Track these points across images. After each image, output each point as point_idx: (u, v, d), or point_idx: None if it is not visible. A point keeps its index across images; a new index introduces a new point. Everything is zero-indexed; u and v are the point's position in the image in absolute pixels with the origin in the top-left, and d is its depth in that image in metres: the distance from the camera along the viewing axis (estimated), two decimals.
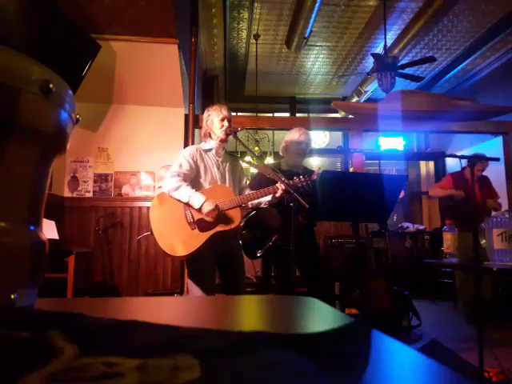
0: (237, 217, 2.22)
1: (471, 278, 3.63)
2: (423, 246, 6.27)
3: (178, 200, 2.20)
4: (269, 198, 2.36)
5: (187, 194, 2.16)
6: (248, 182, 2.65)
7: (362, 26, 5.74)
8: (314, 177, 2.35)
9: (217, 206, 2.15)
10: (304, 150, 2.78)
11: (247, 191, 2.43)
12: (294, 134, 2.80)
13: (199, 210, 2.15)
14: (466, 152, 5.67)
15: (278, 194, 2.27)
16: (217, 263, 2.33)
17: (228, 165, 2.42)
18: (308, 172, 2.81)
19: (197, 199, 2.15)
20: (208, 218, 2.16)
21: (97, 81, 3.91)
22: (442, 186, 4.10)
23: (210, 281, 2.27)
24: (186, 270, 2.38)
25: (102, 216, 4.23)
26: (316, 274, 2.71)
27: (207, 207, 2.13)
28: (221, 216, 2.18)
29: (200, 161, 2.33)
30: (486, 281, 3.65)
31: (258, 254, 2.62)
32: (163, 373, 0.24)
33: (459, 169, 4.05)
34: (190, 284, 2.25)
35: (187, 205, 2.20)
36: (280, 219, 2.51)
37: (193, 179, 2.29)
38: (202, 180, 2.31)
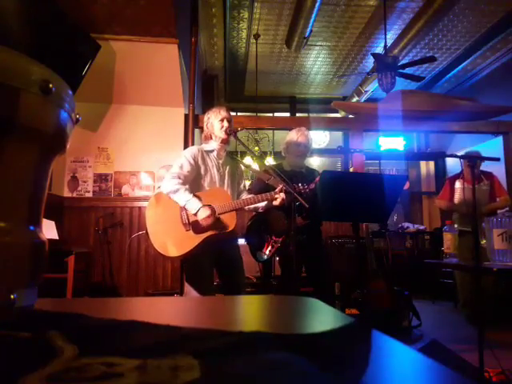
0: (232, 221, 2.22)
1: (468, 276, 3.64)
2: (423, 246, 6.27)
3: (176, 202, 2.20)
4: (264, 202, 2.36)
5: (185, 198, 2.17)
6: (247, 187, 2.65)
7: (362, 26, 5.74)
8: (312, 186, 2.35)
9: (212, 213, 2.15)
10: (303, 151, 2.77)
11: (245, 195, 2.44)
12: (292, 136, 2.79)
13: (195, 215, 2.16)
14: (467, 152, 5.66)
15: (276, 202, 2.27)
16: (215, 265, 2.32)
17: (228, 167, 2.42)
18: (310, 172, 2.81)
19: (193, 205, 2.15)
20: (204, 224, 2.16)
21: (97, 81, 3.91)
22: (442, 197, 4.10)
23: (208, 284, 2.26)
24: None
25: (102, 216, 4.23)
26: (318, 274, 2.70)
27: (203, 214, 2.14)
28: (216, 220, 2.18)
29: (201, 161, 2.32)
30: (487, 281, 3.64)
31: (265, 257, 2.61)
32: (163, 373, 0.24)
33: (459, 168, 4.05)
34: (187, 287, 2.25)
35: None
36: (286, 221, 2.51)
37: (192, 180, 2.29)
38: (201, 181, 2.31)
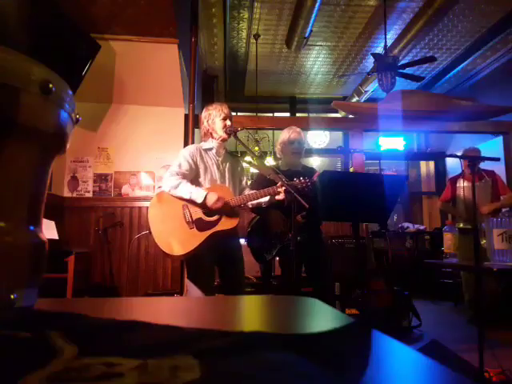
0: (235, 216, 2.22)
1: (473, 276, 3.63)
2: (423, 246, 6.27)
3: (180, 198, 2.20)
4: (267, 197, 2.36)
5: (188, 190, 2.17)
6: (248, 183, 2.65)
7: (362, 26, 5.74)
8: (315, 178, 2.35)
9: (220, 197, 2.16)
10: (298, 148, 2.76)
11: (247, 191, 2.43)
12: (285, 135, 2.79)
13: (203, 203, 2.15)
14: None
15: (279, 197, 2.28)
16: (216, 263, 2.32)
17: (228, 164, 2.41)
18: (307, 170, 2.80)
19: (199, 193, 2.16)
20: (214, 208, 2.16)
21: (97, 81, 3.91)
22: (443, 198, 4.12)
23: (209, 281, 2.26)
24: (185, 270, 2.38)
25: (102, 216, 4.23)
26: (318, 274, 2.70)
27: (211, 198, 2.14)
28: (223, 212, 2.18)
29: (200, 160, 2.32)
30: (489, 281, 3.64)
31: (268, 258, 2.61)
32: (163, 373, 0.24)
33: (459, 168, 4.05)
34: (188, 284, 2.25)
35: (187, 203, 2.20)
36: (285, 222, 2.50)
37: (192, 179, 2.29)
38: (201, 179, 2.31)
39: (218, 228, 2.18)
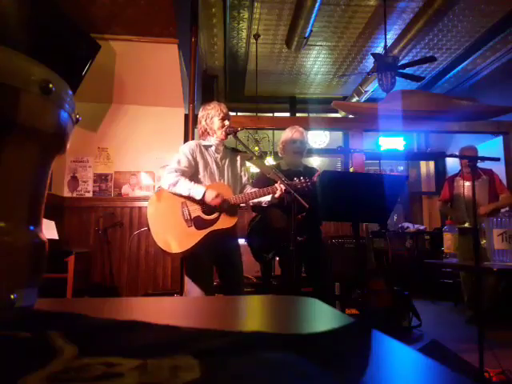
0: (234, 215, 2.22)
1: (473, 276, 3.63)
2: (423, 246, 6.27)
3: (179, 195, 2.19)
4: (268, 197, 2.35)
5: (187, 186, 2.16)
6: (250, 180, 2.64)
7: (362, 26, 5.74)
8: (315, 178, 2.35)
9: (219, 193, 2.16)
10: (300, 148, 2.76)
11: (248, 188, 2.43)
12: (287, 134, 2.79)
13: (202, 199, 2.15)
14: None
15: (277, 195, 2.27)
16: (215, 263, 2.32)
17: (227, 161, 2.40)
18: (309, 170, 2.79)
19: (197, 190, 2.15)
20: (213, 204, 2.15)
21: (97, 81, 3.91)
22: (441, 198, 4.14)
23: (208, 280, 2.26)
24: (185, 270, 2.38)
25: (102, 216, 4.23)
26: (318, 274, 2.70)
27: (210, 195, 2.14)
28: (222, 210, 2.18)
29: (199, 157, 2.32)
30: (488, 281, 3.64)
31: (268, 258, 2.61)
32: (163, 373, 0.24)
33: (459, 168, 4.05)
34: (188, 283, 2.25)
35: (186, 201, 2.19)
36: (285, 220, 2.50)
37: (192, 175, 2.28)
38: (200, 176, 2.30)
39: (217, 226, 2.18)
